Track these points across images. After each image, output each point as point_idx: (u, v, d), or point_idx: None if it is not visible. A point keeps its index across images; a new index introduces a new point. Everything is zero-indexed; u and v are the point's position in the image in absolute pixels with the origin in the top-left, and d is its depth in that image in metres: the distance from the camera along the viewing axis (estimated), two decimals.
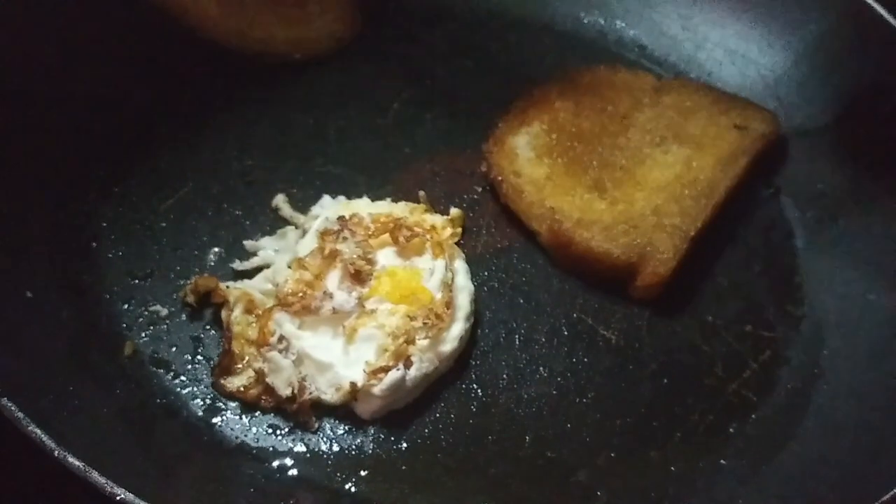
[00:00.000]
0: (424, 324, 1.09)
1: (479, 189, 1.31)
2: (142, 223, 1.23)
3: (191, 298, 1.14)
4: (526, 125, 1.34)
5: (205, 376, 1.10)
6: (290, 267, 1.15)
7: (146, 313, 1.14)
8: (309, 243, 1.17)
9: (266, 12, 1.40)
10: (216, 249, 1.21)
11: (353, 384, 1.05)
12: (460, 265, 1.19)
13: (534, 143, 1.32)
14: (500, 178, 1.28)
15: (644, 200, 1.24)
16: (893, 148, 1.30)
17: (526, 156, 1.30)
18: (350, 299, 1.10)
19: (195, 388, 1.09)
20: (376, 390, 1.05)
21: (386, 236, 1.16)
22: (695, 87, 1.40)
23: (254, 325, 1.11)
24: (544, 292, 1.22)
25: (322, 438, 1.07)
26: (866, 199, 1.29)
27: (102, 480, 0.87)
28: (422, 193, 1.27)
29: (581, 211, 1.23)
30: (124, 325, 1.13)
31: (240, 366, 1.09)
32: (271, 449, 1.05)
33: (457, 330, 1.12)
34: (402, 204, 1.25)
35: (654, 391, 1.14)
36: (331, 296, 1.09)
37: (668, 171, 1.28)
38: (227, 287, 1.14)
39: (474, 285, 1.18)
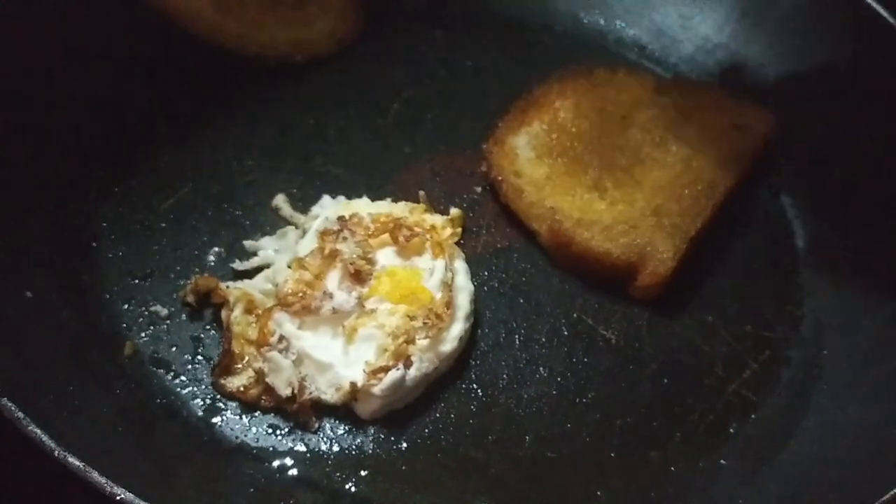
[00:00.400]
0: (424, 324, 1.09)
1: (479, 189, 1.31)
2: (142, 223, 1.23)
3: (191, 298, 1.14)
4: (526, 125, 1.34)
5: (205, 376, 1.10)
6: (290, 267, 1.15)
7: (146, 313, 1.14)
8: (309, 243, 1.17)
9: (266, 14, 1.40)
10: (216, 249, 1.21)
11: (353, 384, 1.05)
12: (460, 265, 1.19)
13: (534, 143, 1.32)
14: (500, 178, 1.28)
15: (644, 200, 1.24)
16: (893, 147, 1.30)
17: (526, 156, 1.30)
18: (350, 299, 1.10)
19: (195, 388, 1.09)
20: (376, 390, 1.05)
21: (386, 236, 1.16)
22: (695, 87, 1.40)
23: (254, 325, 1.11)
24: (544, 292, 1.22)
25: (322, 438, 1.07)
26: (866, 199, 1.29)
27: (102, 480, 0.87)
28: (422, 193, 1.27)
29: (581, 211, 1.23)
30: (124, 325, 1.13)
31: (240, 366, 1.09)
32: (271, 449, 1.05)
33: (457, 330, 1.12)
34: (402, 204, 1.25)
35: (654, 391, 1.14)
36: (331, 296, 1.09)
37: (668, 171, 1.28)
38: (227, 287, 1.14)
39: (474, 285, 1.18)
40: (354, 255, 1.12)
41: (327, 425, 1.08)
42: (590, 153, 1.30)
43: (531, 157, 1.30)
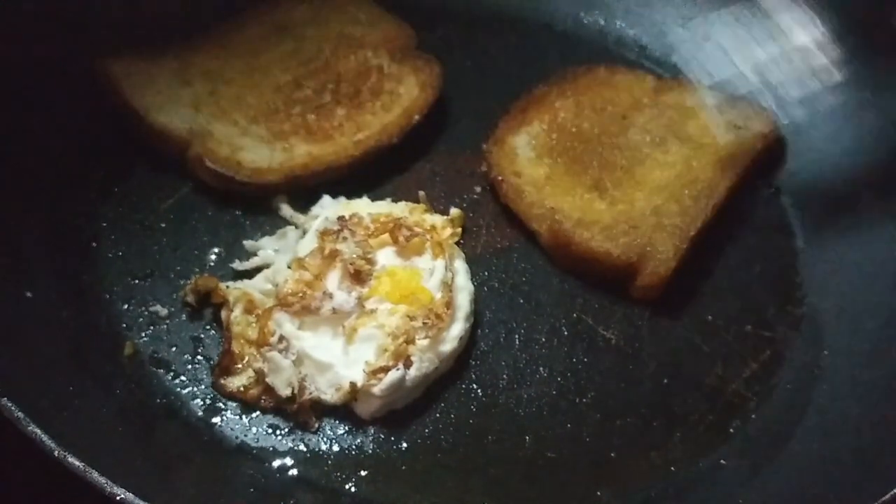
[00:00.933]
0: (424, 324, 1.09)
1: (479, 189, 1.31)
2: (142, 223, 1.22)
3: (191, 298, 1.14)
4: (526, 125, 1.33)
5: (205, 376, 1.10)
6: (290, 267, 1.15)
7: (146, 313, 1.14)
8: (309, 243, 1.17)
9: (346, 123, 1.30)
10: (216, 249, 1.21)
11: (353, 384, 1.05)
12: (460, 265, 1.19)
13: (534, 143, 1.32)
14: (500, 178, 1.28)
15: (644, 200, 1.24)
16: (894, 147, 1.30)
17: (526, 156, 1.30)
18: (350, 299, 1.10)
19: (195, 388, 1.09)
20: (376, 390, 1.05)
21: (386, 236, 1.16)
22: (695, 87, 1.40)
23: (254, 325, 1.11)
24: (544, 292, 1.22)
25: (322, 438, 1.07)
26: (867, 199, 1.29)
27: (102, 480, 0.87)
28: (422, 193, 1.26)
29: (581, 211, 1.23)
30: (124, 325, 1.13)
31: (240, 366, 1.09)
32: (271, 449, 1.05)
33: (457, 330, 1.12)
34: (402, 204, 1.25)
35: (654, 391, 1.14)
36: (331, 296, 1.09)
37: (668, 171, 1.28)
38: (227, 287, 1.14)
39: (474, 285, 1.18)
40: (354, 255, 1.12)
41: (327, 425, 1.07)
42: (590, 153, 1.30)
43: (531, 157, 1.30)
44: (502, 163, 1.29)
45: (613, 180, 1.27)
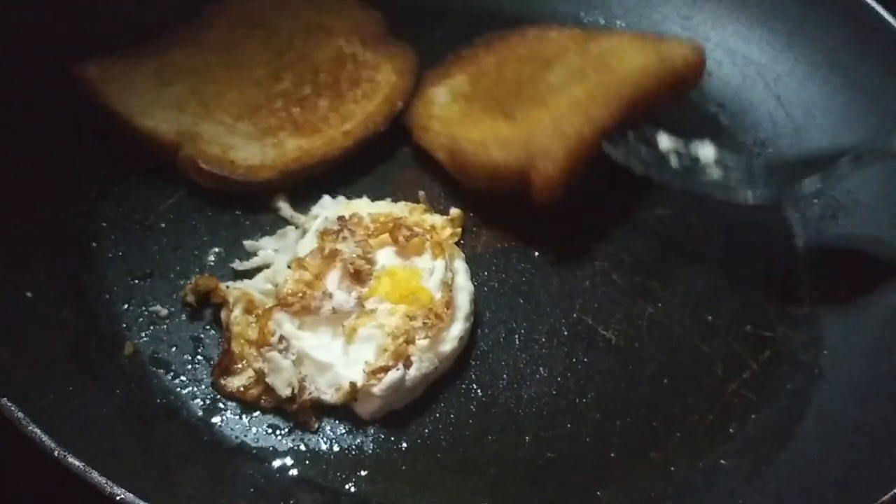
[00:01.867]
0: (424, 324, 1.09)
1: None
2: (142, 223, 1.23)
3: (191, 298, 1.14)
4: (448, 78, 1.35)
5: (205, 376, 1.10)
6: (290, 267, 1.15)
7: (146, 313, 1.14)
8: (309, 243, 1.17)
9: (331, 114, 1.31)
10: (216, 249, 1.21)
11: (353, 384, 1.05)
12: (460, 265, 1.19)
13: (453, 91, 1.33)
14: (412, 122, 1.29)
15: (547, 118, 1.21)
16: (893, 146, 1.30)
17: (442, 101, 1.31)
18: (350, 299, 1.10)
19: (195, 388, 1.09)
20: (376, 390, 1.05)
21: (386, 236, 1.16)
22: (626, 35, 1.36)
23: (254, 325, 1.11)
24: (544, 292, 1.22)
25: (322, 438, 1.07)
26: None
27: (102, 480, 0.87)
28: (422, 193, 1.27)
29: (483, 134, 1.23)
30: (124, 325, 1.13)
31: (240, 366, 1.09)
32: (271, 449, 1.05)
33: (456, 330, 1.12)
34: (402, 204, 1.25)
35: (654, 391, 1.14)
36: (330, 296, 1.09)
37: (577, 93, 1.24)
38: (227, 287, 1.14)
39: (474, 285, 1.18)
40: (354, 255, 1.12)
41: (327, 425, 1.08)
42: (507, 93, 1.30)
43: (447, 102, 1.31)
44: (419, 111, 1.31)
45: (523, 111, 1.26)
